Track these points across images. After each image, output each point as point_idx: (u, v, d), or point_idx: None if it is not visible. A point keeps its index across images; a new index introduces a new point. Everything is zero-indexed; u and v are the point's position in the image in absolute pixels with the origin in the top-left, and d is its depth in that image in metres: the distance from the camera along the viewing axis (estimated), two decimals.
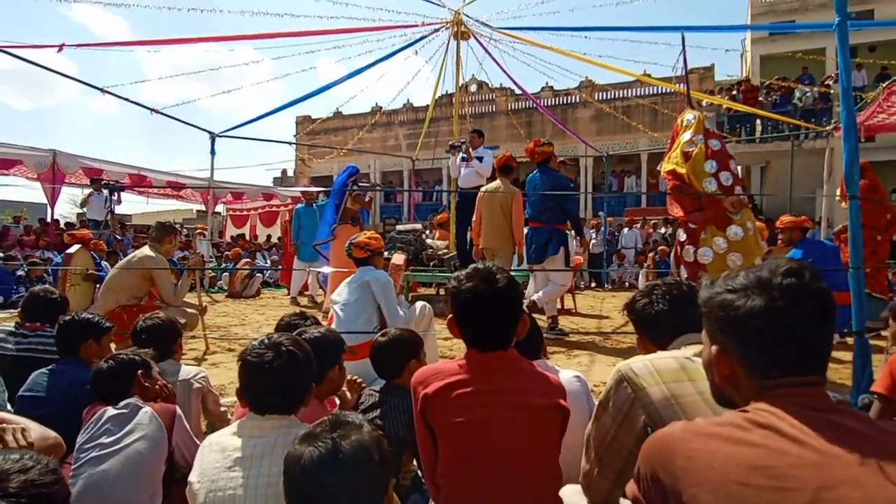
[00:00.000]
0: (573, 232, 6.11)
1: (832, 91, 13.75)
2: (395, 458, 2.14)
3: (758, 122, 15.77)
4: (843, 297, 3.15)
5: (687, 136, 4.39)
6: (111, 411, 1.90)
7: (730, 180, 4.13)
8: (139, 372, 2.14)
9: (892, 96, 7.09)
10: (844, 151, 3.09)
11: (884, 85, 8.22)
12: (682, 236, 4.36)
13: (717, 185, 4.10)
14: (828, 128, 11.46)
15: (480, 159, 7.09)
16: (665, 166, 4.43)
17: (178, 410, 2.02)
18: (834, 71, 14.19)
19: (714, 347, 1.04)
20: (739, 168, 4.48)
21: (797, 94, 15.03)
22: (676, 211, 4.34)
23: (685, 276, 4.25)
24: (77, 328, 2.53)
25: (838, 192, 6.18)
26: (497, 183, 6.03)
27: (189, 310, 4.67)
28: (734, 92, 15.81)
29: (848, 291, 3.05)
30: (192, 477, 1.54)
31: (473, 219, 6.25)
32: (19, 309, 3.08)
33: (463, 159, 7.23)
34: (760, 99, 15.59)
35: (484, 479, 1.46)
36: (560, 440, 1.56)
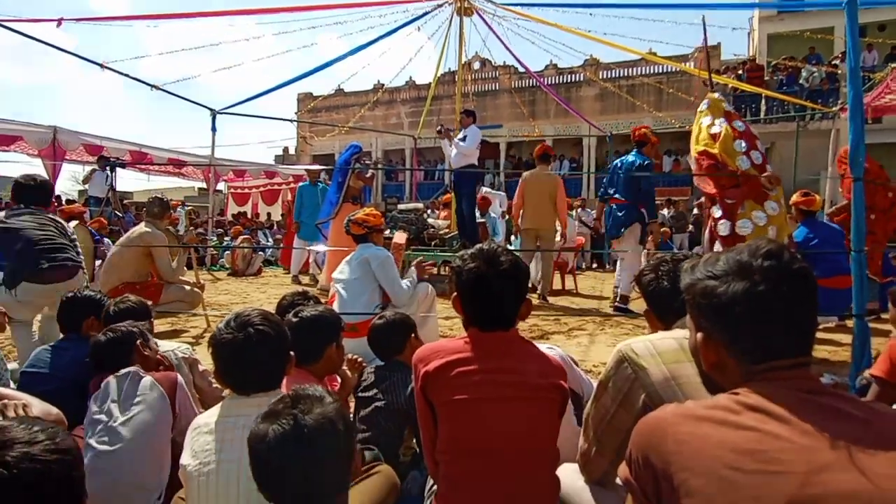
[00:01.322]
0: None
1: (839, 71, 13.59)
2: (397, 431, 2.18)
3: (763, 102, 15.62)
4: (843, 281, 3.14)
5: (707, 119, 4.39)
6: (113, 382, 1.92)
7: (760, 159, 4.18)
8: (138, 342, 2.14)
9: None
10: (850, 132, 3.06)
11: (893, 65, 8.11)
12: (716, 213, 4.35)
13: (749, 163, 4.13)
14: (834, 108, 11.34)
15: (465, 139, 7.06)
16: (696, 147, 4.42)
17: (180, 379, 2.03)
18: (842, 50, 14.02)
19: (699, 335, 1.04)
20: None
21: (804, 74, 14.86)
22: (709, 188, 4.33)
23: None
24: (80, 305, 2.55)
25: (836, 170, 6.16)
26: (537, 169, 6.72)
27: (187, 287, 4.68)
28: (739, 72, 15.63)
29: (848, 275, 3.04)
30: (184, 459, 1.54)
31: (514, 202, 6.87)
32: None
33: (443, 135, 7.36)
34: (766, 79, 15.42)
35: (482, 457, 1.48)
36: (559, 420, 1.57)
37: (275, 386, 1.66)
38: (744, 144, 4.17)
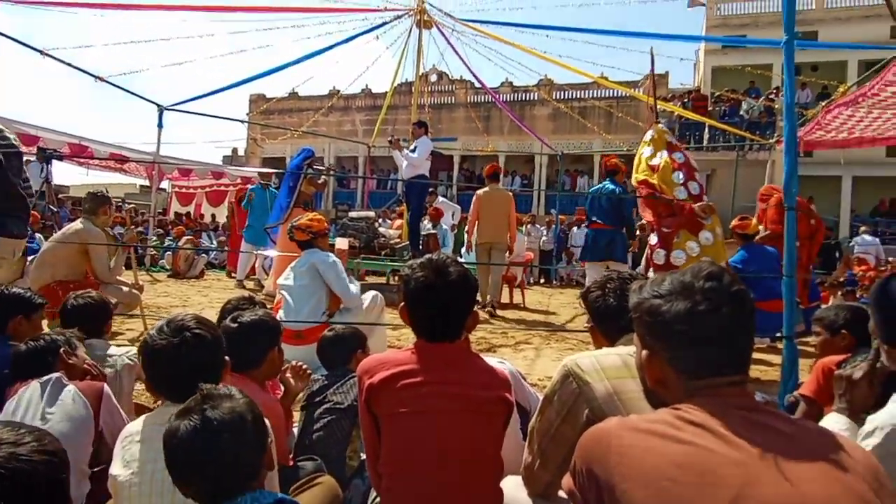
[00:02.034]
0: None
1: (776, 105, 14.36)
2: (346, 434, 2.16)
3: (706, 130, 16.34)
4: (777, 305, 3.29)
5: (647, 151, 4.54)
6: (37, 386, 1.81)
7: (697, 190, 4.33)
8: (62, 350, 2.03)
9: (829, 114, 7.45)
10: (785, 164, 3.22)
11: (823, 104, 8.63)
12: (653, 240, 4.49)
13: (686, 194, 4.29)
14: (771, 141, 11.97)
15: (415, 150, 7.10)
16: (636, 176, 4.56)
17: (107, 389, 1.93)
18: (778, 86, 14.83)
19: (644, 352, 1.07)
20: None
21: (744, 106, 15.64)
22: (648, 216, 4.48)
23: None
24: (6, 303, 2.38)
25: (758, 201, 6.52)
26: (489, 188, 6.98)
27: (125, 288, 4.49)
28: (685, 100, 16.32)
29: (781, 299, 3.19)
30: (114, 469, 1.48)
31: (469, 218, 7.10)
32: None
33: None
34: (710, 108, 16.15)
35: (426, 470, 1.47)
36: (503, 433, 1.58)
37: None
38: (681, 176, 4.33)
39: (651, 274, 4.52)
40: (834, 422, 1.68)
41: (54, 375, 1.85)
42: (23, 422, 1.71)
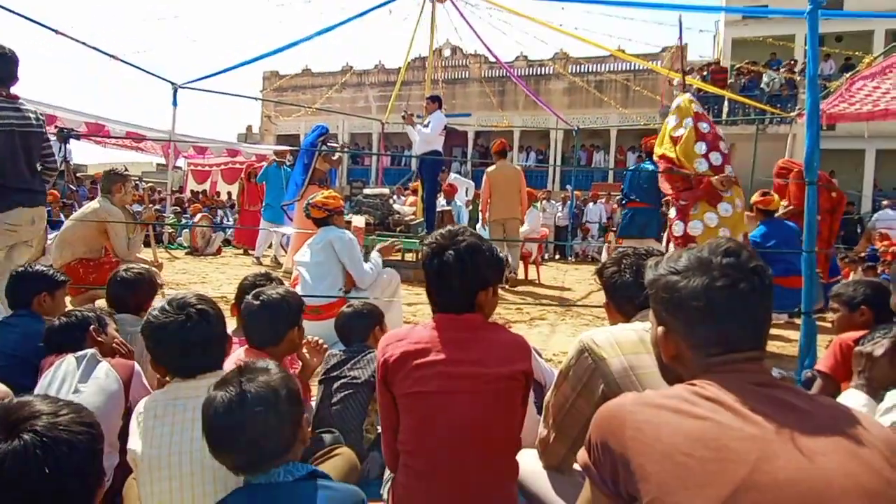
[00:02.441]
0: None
1: (798, 78, 14.03)
2: (363, 407, 2.20)
3: (725, 104, 16.02)
4: (797, 281, 3.26)
5: (672, 120, 4.47)
6: (72, 360, 1.87)
7: (719, 160, 4.25)
8: (91, 327, 2.09)
9: (854, 86, 7.26)
10: (807, 138, 3.16)
11: (847, 75, 8.41)
12: (672, 213, 4.46)
13: (707, 165, 4.22)
14: (792, 114, 11.71)
15: (428, 125, 7.05)
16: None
17: (137, 367, 1.99)
18: (801, 60, 14.46)
19: (660, 328, 1.07)
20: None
21: (765, 78, 15.29)
22: (667, 188, 4.45)
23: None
24: (30, 280, 2.44)
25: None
26: (499, 165, 7.17)
27: (144, 265, 4.54)
28: (704, 73, 15.98)
29: (801, 275, 3.16)
30: (132, 444, 1.52)
31: (482, 196, 7.28)
32: None
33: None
34: (730, 81, 15.82)
35: (441, 448, 1.49)
36: (523, 406, 1.59)
37: (220, 366, 1.65)
38: (704, 146, 4.26)
39: (673, 247, 4.49)
40: (853, 398, 1.68)
41: (89, 351, 1.91)
42: (57, 394, 1.77)
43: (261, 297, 2.07)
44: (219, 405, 1.26)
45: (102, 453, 1.11)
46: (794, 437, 0.86)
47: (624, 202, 6.46)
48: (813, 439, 0.87)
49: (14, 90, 3.43)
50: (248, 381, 1.28)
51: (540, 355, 2.29)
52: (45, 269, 2.53)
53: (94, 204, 4.40)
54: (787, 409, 0.91)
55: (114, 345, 2.14)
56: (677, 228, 4.39)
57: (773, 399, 0.93)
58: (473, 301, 1.58)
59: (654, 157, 4.66)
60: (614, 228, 12.02)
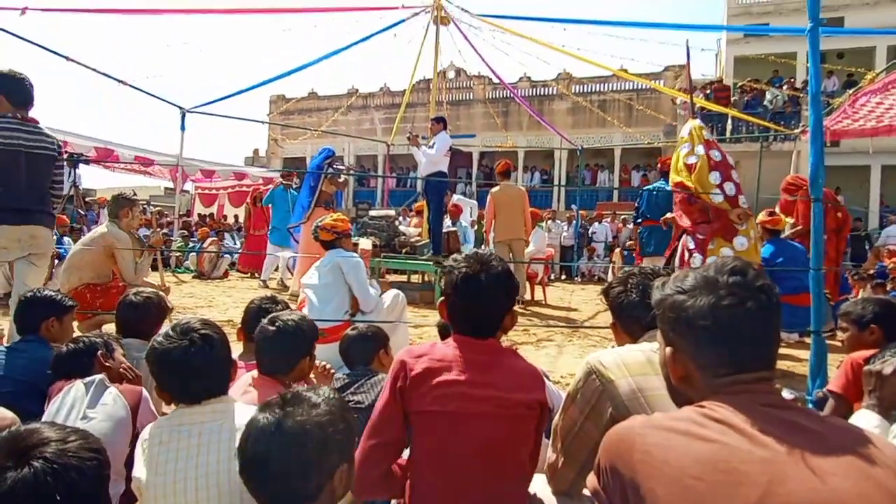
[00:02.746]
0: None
1: (801, 95, 14.06)
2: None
3: (729, 122, 16.06)
4: (807, 299, 3.23)
5: (685, 148, 4.42)
6: (80, 388, 1.87)
7: (734, 191, 4.19)
8: (99, 353, 2.10)
9: (857, 102, 7.27)
10: (811, 155, 3.16)
11: (850, 91, 8.43)
12: (690, 244, 4.41)
13: (723, 196, 4.15)
14: (796, 131, 11.74)
15: (433, 146, 7.09)
16: (673, 178, 4.48)
17: (145, 392, 1.99)
18: (804, 74, 14.52)
19: (668, 349, 1.06)
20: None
21: (768, 96, 15.35)
22: (685, 221, 4.40)
23: None
24: (38, 305, 2.45)
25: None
26: (503, 185, 7.24)
27: (153, 290, 4.56)
28: (707, 91, 16.06)
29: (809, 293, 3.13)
30: (137, 472, 1.50)
31: (486, 217, 7.32)
32: None
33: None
34: (733, 99, 15.88)
35: (451, 471, 1.47)
36: (537, 436, 1.56)
37: (224, 391, 1.64)
38: (718, 176, 4.21)
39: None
40: (865, 419, 1.65)
41: (97, 377, 1.91)
42: (66, 421, 1.78)
43: (276, 323, 2.03)
44: (254, 429, 1.20)
45: (109, 479, 1.11)
46: (806, 458, 0.85)
47: (639, 221, 6.47)
48: (825, 460, 0.85)
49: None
50: (288, 414, 1.20)
51: (548, 378, 2.27)
52: (53, 293, 2.54)
53: (102, 228, 4.43)
54: (798, 431, 0.90)
55: (121, 370, 2.14)
56: (696, 262, 4.35)
57: (783, 421, 0.92)
58: (500, 325, 1.61)
59: (671, 185, 4.63)
60: (620, 247, 12.01)
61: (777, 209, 5.65)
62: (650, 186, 6.58)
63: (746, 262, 1.05)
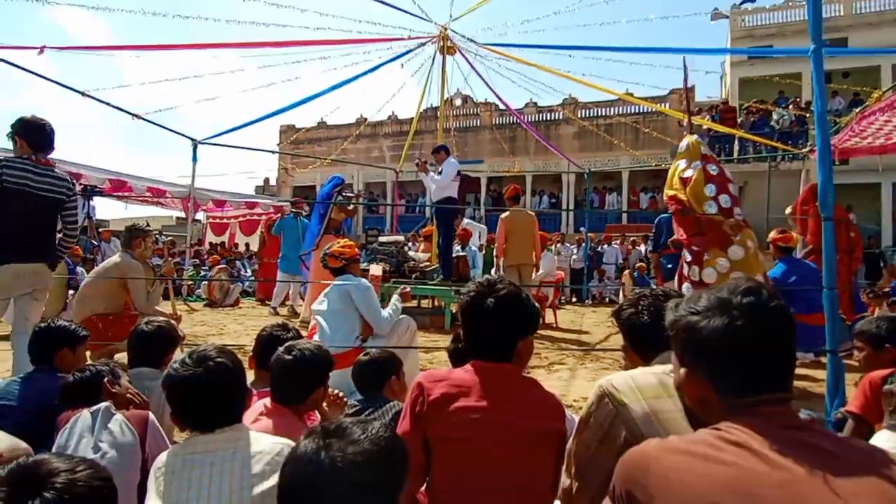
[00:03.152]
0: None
1: (808, 115, 14.08)
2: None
3: (736, 142, 16.08)
4: (822, 318, 3.19)
5: (682, 163, 4.49)
6: (86, 417, 1.87)
7: (729, 203, 4.24)
8: (105, 380, 2.11)
9: (864, 120, 7.27)
10: (819, 174, 3.15)
11: (857, 110, 8.44)
12: (687, 257, 4.44)
13: (717, 208, 4.21)
14: (803, 150, 11.72)
15: (441, 172, 7.16)
16: (667, 192, 4.54)
17: (152, 417, 1.98)
18: (810, 94, 14.54)
19: (683, 370, 1.06)
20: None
21: (775, 116, 15.37)
22: (680, 233, 4.44)
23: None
24: (52, 336, 2.48)
25: (787, 210, 6.40)
26: (513, 211, 7.32)
27: (165, 318, 4.59)
28: (714, 113, 16.12)
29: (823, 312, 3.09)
30: (150, 501, 1.49)
31: (497, 241, 7.36)
32: None
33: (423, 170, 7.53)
34: (740, 120, 15.92)
35: (476, 497, 1.46)
36: (556, 463, 1.54)
37: (239, 419, 1.63)
38: (713, 188, 4.26)
39: (685, 289, 4.45)
40: (885, 440, 1.62)
41: (103, 405, 1.91)
42: (75, 450, 1.78)
43: (293, 352, 2.01)
44: (292, 457, 1.10)
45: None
46: (827, 479, 0.84)
47: (659, 250, 6.51)
48: (846, 481, 0.84)
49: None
50: (324, 447, 1.08)
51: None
52: (66, 324, 2.57)
53: (115, 258, 4.48)
54: (817, 453, 0.88)
55: (128, 395, 2.15)
56: (693, 273, 4.37)
57: (801, 442, 0.90)
58: (513, 350, 1.60)
59: (665, 198, 4.67)
60: (630, 269, 11.94)
61: (791, 215, 5.62)
62: (666, 215, 6.64)
63: (760, 283, 1.05)
